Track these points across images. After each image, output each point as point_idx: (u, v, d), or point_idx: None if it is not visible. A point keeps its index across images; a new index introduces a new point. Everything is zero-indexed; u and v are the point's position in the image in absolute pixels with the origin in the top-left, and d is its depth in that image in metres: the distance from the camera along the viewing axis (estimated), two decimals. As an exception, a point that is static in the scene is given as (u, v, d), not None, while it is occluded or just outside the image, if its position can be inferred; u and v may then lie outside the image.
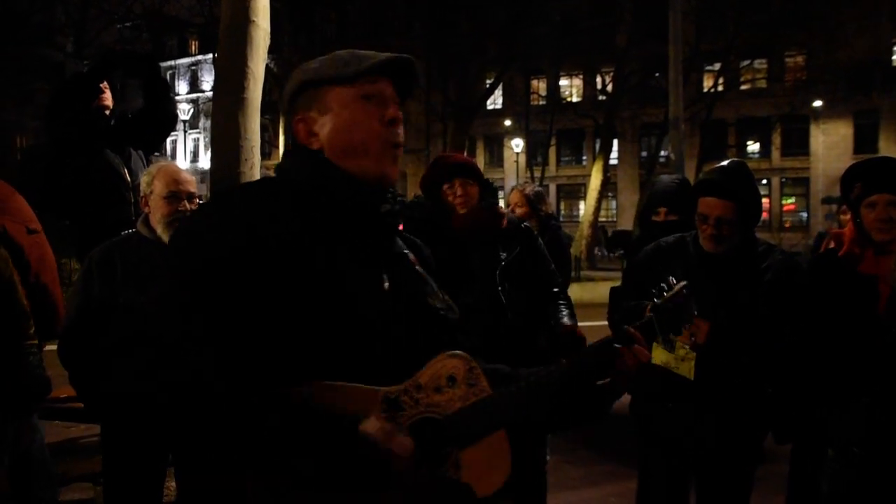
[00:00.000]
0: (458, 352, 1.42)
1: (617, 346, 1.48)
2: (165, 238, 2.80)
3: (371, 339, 1.38)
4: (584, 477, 4.75)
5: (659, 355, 2.95)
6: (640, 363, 1.49)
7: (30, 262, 3.75)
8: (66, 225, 4.29)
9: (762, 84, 36.29)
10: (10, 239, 3.70)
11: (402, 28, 34.26)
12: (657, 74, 30.50)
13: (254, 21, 4.20)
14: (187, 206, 2.89)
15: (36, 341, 3.11)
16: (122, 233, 3.38)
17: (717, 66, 31.39)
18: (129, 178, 4.24)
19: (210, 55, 37.61)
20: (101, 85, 4.20)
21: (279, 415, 1.25)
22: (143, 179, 2.89)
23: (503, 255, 3.44)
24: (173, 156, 43.77)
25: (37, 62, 26.87)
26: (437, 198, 3.49)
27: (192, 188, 2.97)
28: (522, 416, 1.41)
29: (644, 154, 37.69)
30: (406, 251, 1.58)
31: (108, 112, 4.33)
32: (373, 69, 1.48)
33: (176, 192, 2.89)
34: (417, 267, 1.57)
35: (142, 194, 2.93)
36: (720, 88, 31.81)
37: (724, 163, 3.13)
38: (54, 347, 3.12)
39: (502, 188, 41.65)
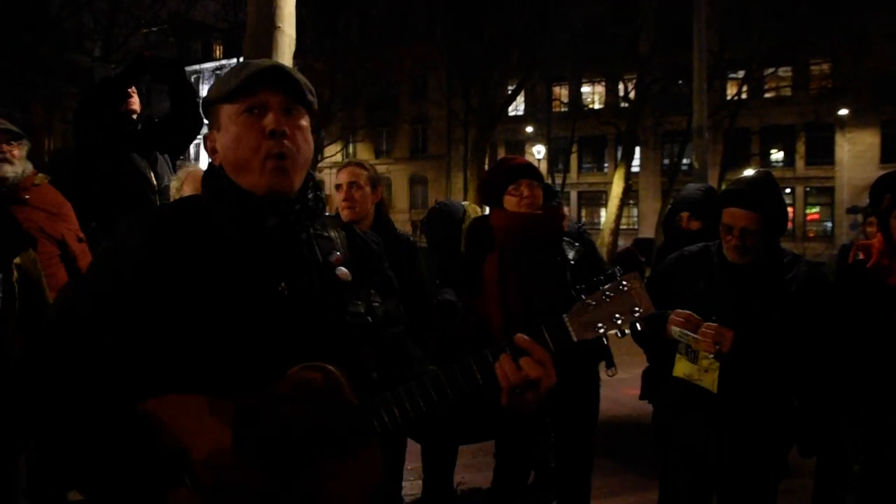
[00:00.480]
0: (318, 364, 1.40)
1: (491, 358, 1.42)
2: None
3: (244, 351, 1.41)
4: (603, 487, 4.71)
5: (682, 367, 2.93)
6: (527, 379, 1.39)
7: (80, 269, 3.83)
8: (92, 227, 4.33)
9: (787, 92, 35.95)
10: (67, 247, 3.78)
11: (425, 34, 34.41)
12: (680, 82, 30.35)
13: (279, 27, 4.23)
14: None
15: None
16: None
17: (741, 73, 31.18)
18: (154, 182, 4.29)
19: (234, 60, 37.91)
20: (128, 90, 4.24)
21: (99, 429, 1.35)
22: (173, 185, 2.92)
23: (570, 255, 3.43)
24: (196, 159, 44.14)
25: (65, 67, 27.25)
26: (499, 201, 3.47)
27: None
28: (389, 429, 1.40)
29: (666, 162, 37.47)
30: (326, 257, 1.57)
31: (134, 116, 4.37)
32: (248, 81, 1.49)
33: None
34: (339, 270, 1.56)
35: (172, 198, 2.95)
36: (744, 96, 31.57)
37: (751, 173, 3.10)
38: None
39: (523, 195, 41.66)
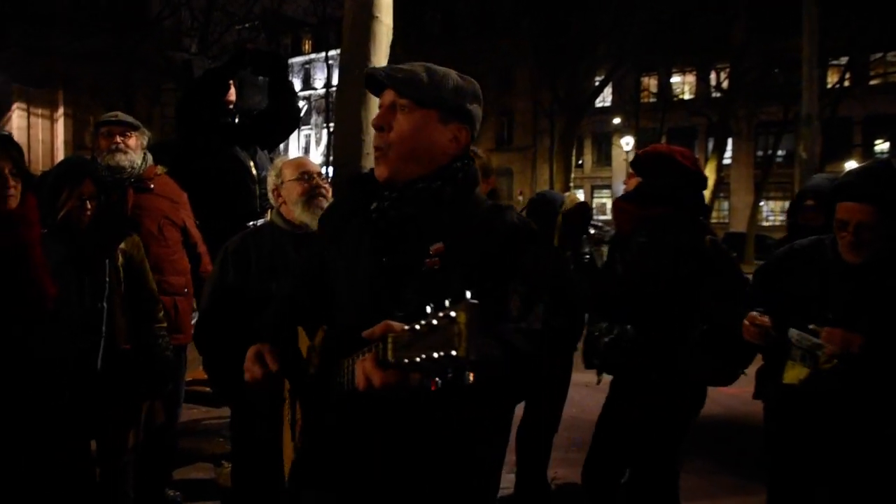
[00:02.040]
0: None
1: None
2: (305, 216, 2.84)
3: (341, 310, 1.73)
4: (701, 488, 4.56)
5: (795, 373, 2.78)
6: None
7: (201, 254, 3.99)
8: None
9: (894, 79, 34.04)
10: (189, 233, 3.95)
11: (510, 27, 34.16)
12: (776, 70, 29.16)
13: (377, 17, 4.25)
14: (319, 181, 2.93)
15: (164, 324, 3.26)
16: (252, 223, 3.47)
17: (844, 60, 29.67)
18: (255, 172, 4.37)
19: (323, 53, 38.62)
20: (230, 81, 4.34)
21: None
22: (271, 174, 2.96)
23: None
24: (286, 151, 45.27)
25: (165, 63, 28.38)
26: None
27: (319, 169, 3.03)
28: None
29: (760, 153, 36.06)
30: (427, 243, 1.66)
31: (231, 107, 4.46)
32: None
33: (305, 172, 2.95)
34: (429, 259, 1.64)
35: (272, 187, 3.00)
36: (846, 84, 30.06)
37: (867, 163, 2.91)
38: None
39: (609, 187, 40.91)
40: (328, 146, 41.60)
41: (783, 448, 2.99)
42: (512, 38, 35.27)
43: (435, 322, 1.21)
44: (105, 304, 2.85)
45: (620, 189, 40.17)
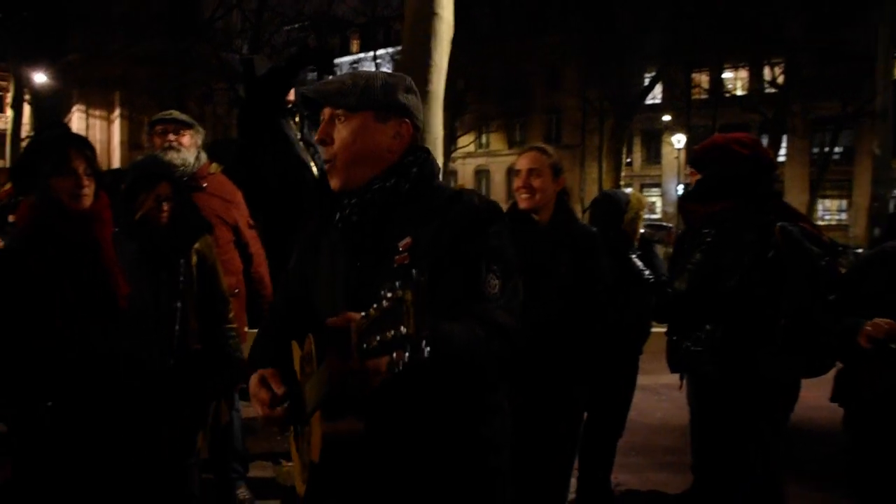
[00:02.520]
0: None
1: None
2: None
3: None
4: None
5: None
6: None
7: (252, 254, 3.99)
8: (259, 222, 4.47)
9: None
10: (241, 233, 3.95)
11: (559, 23, 33.93)
12: (836, 64, 28.39)
13: (438, 14, 4.23)
14: None
15: (235, 325, 3.26)
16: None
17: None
18: (315, 171, 4.35)
19: (371, 53, 38.87)
20: (292, 80, 4.33)
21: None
22: None
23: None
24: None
25: (218, 64, 28.93)
26: None
27: None
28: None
29: (815, 151, 35.14)
30: (394, 241, 1.70)
31: (291, 107, 4.43)
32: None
33: None
34: (398, 255, 1.69)
35: None
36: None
37: None
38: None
39: (659, 185, 40.34)
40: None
41: (879, 455, 2.85)
42: (561, 35, 35.00)
43: (385, 304, 1.24)
44: (179, 304, 2.86)
45: (671, 187, 39.68)
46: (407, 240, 1.68)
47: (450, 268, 1.65)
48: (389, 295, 1.24)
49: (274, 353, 1.87)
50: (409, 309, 1.21)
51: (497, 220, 1.76)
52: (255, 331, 3.51)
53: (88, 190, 2.45)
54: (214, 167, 3.97)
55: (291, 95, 4.47)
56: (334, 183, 1.79)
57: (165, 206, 2.89)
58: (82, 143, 2.50)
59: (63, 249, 2.40)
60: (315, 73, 4.64)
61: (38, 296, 2.34)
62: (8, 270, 2.38)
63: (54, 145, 2.45)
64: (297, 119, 4.45)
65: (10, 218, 3.29)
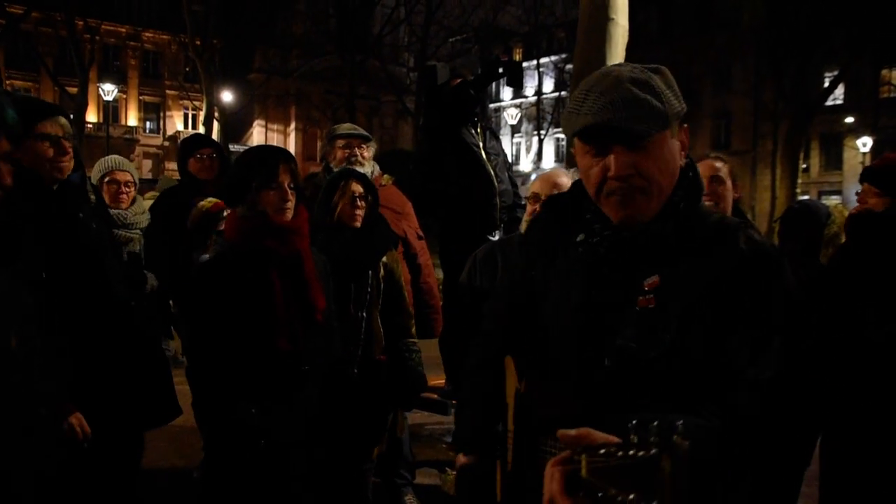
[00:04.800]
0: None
1: None
2: None
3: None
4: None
5: None
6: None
7: (421, 265, 4.07)
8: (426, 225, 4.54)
9: None
10: (409, 244, 4.06)
11: (729, 20, 32.39)
12: None
13: (613, 18, 4.22)
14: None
15: (416, 339, 3.37)
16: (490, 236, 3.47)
17: None
18: (497, 183, 4.32)
19: (534, 62, 38.90)
20: (480, 93, 4.31)
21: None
22: (530, 188, 2.96)
23: None
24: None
25: (385, 79, 30.06)
26: None
27: (567, 184, 2.95)
28: None
29: None
30: (642, 279, 1.50)
31: (476, 119, 4.41)
32: (583, 131, 1.47)
33: (555, 186, 2.85)
34: (641, 297, 1.47)
35: (528, 195, 2.99)
36: None
37: None
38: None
39: (840, 192, 37.42)
40: (538, 154, 41.82)
41: None
42: (731, 34, 33.40)
43: (637, 454, 0.99)
44: (365, 314, 3.00)
45: (853, 195, 36.41)
46: (654, 278, 1.45)
47: (699, 321, 1.39)
48: (641, 453, 0.98)
49: (491, 361, 1.81)
50: (665, 479, 0.97)
51: (768, 271, 1.44)
52: (423, 340, 3.63)
53: (291, 203, 2.49)
54: (386, 178, 4.07)
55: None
56: (620, 213, 1.48)
57: (360, 205, 3.03)
58: (289, 158, 2.55)
59: (268, 261, 2.47)
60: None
61: (243, 303, 2.43)
62: (215, 279, 2.49)
63: (264, 159, 2.51)
64: (478, 129, 4.40)
65: (221, 226, 3.41)
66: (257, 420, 2.38)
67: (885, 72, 32.98)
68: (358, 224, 3.07)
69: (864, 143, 30.52)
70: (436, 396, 5.00)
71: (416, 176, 4.34)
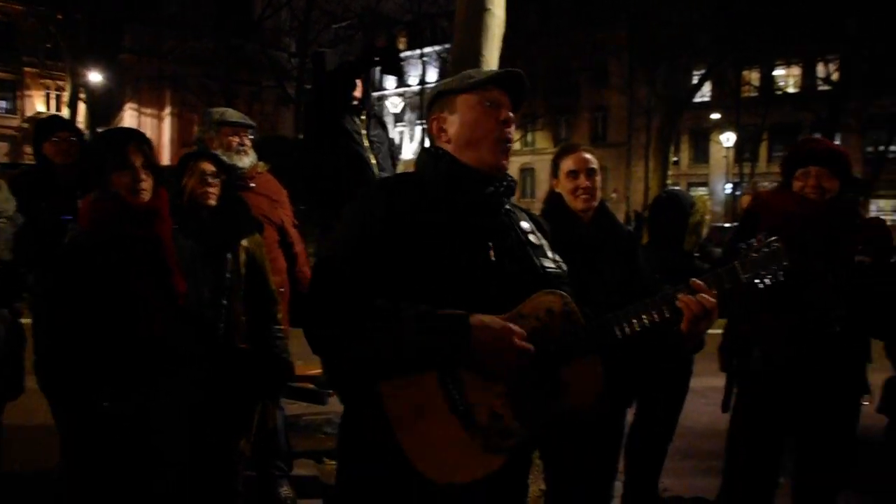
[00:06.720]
0: (555, 290, 1.78)
1: (678, 294, 1.78)
2: None
3: (476, 288, 1.74)
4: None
5: None
6: (705, 308, 1.76)
7: (297, 254, 4.01)
8: (300, 209, 4.43)
9: None
10: (286, 232, 3.96)
11: (606, 19, 33.58)
12: (893, 61, 27.53)
13: (489, 9, 4.22)
14: None
15: (283, 326, 3.26)
16: None
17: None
18: (378, 171, 4.25)
19: (418, 51, 38.98)
20: (359, 78, 4.23)
21: (412, 309, 1.66)
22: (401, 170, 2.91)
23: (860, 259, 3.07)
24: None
25: (266, 63, 29.32)
26: (788, 183, 3.16)
27: None
28: (611, 343, 1.77)
29: (870, 150, 34.14)
30: (520, 223, 1.92)
31: (357, 104, 4.31)
32: (489, 80, 1.86)
33: None
34: (531, 236, 1.91)
35: None
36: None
37: None
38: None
39: (706, 184, 39.63)
40: (421, 143, 41.95)
41: None
42: (608, 32, 34.63)
43: (773, 246, 1.86)
44: (226, 301, 2.88)
45: (719, 187, 38.94)
46: (528, 225, 1.95)
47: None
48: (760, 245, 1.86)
49: None
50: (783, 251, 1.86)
51: None
52: (299, 329, 3.53)
53: (146, 185, 2.47)
54: (262, 166, 3.99)
55: (359, 92, 4.40)
56: (506, 163, 1.89)
57: (212, 183, 2.93)
58: (139, 138, 2.52)
59: (124, 245, 2.42)
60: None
61: (101, 291, 2.37)
62: (71, 265, 2.42)
63: (114, 142, 2.49)
64: (362, 116, 4.33)
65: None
66: (115, 410, 2.33)
67: (746, 72, 35.16)
68: (212, 202, 2.96)
69: (728, 138, 32.44)
70: (312, 386, 4.89)
71: (301, 164, 4.23)
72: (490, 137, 1.82)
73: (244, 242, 3.09)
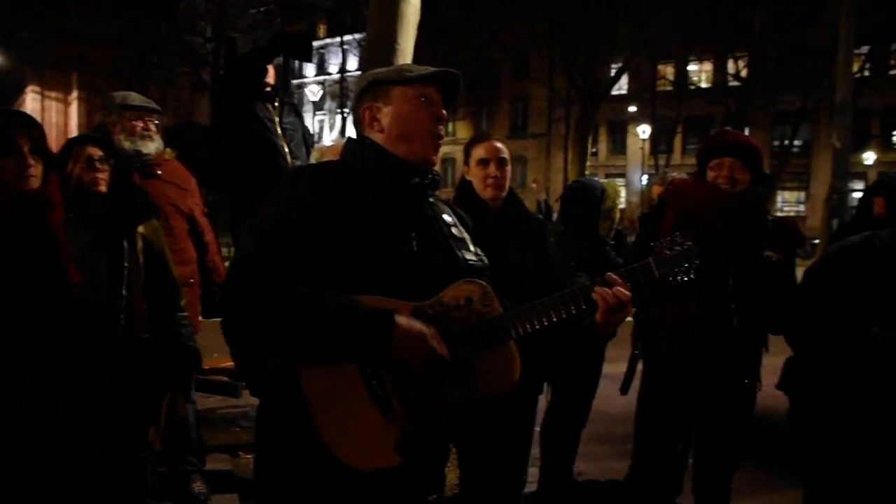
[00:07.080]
0: (475, 279, 1.83)
1: (595, 286, 1.86)
2: None
3: (399, 277, 1.76)
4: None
5: None
6: (621, 301, 1.84)
7: (207, 243, 3.90)
8: (213, 200, 4.35)
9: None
10: (195, 221, 3.85)
11: (527, 10, 33.89)
12: (797, 59, 28.84)
13: (405, -3, 4.16)
14: None
15: (186, 313, 3.16)
16: None
17: (865, 49, 29.20)
18: (291, 159, 4.19)
19: (338, 38, 38.45)
20: (269, 64, 4.13)
21: (334, 300, 1.66)
22: (314, 157, 2.86)
23: (767, 255, 3.15)
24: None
25: (180, 48, 28.41)
26: (702, 173, 3.20)
27: None
28: (525, 332, 1.81)
29: (776, 143, 35.70)
30: (443, 216, 1.95)
31: (270, 90, 4.22)
32: (429, 77, 1.90)
33: None
34: (453, 229, 1.95)
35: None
36: (867, 74, 29.63)
37: (871, 156, 2.75)
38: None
39: (624, 175, 40.67)
40: (341, 132, 41.54)
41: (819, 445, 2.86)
42: (528, 23, 34.96)
43: (685, 245, 1.96)
44: (124, 290, 2.76)
45: (636, 177, 40.04)
46: (451, 218, 2.00)
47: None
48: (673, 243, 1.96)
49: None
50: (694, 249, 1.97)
51: None
52: (210, 320, 3.43)
53: (35, 170, 2.36)
54: (169, 153, 3.87)
55: (271, 79, 4.32)
56: (436, 158, 1.94)
57: (100, 167, 2.80)
58: (27, 121, 2.40)
59: (10, 233, 2.31)
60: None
61: None
62: None
63: None
64: (276, 104, 4.23)
65: None
66: (16, 405, 2.27)
67: (661, 66, 36.17)
68: (102, 188, 2.82)
69: (644, 130, 33.33)
70: (226, 379, 4.80)
71: (213, 151, 4.11)
72: (425, 132, 1.88)
73: (141, 229, 2.94)
